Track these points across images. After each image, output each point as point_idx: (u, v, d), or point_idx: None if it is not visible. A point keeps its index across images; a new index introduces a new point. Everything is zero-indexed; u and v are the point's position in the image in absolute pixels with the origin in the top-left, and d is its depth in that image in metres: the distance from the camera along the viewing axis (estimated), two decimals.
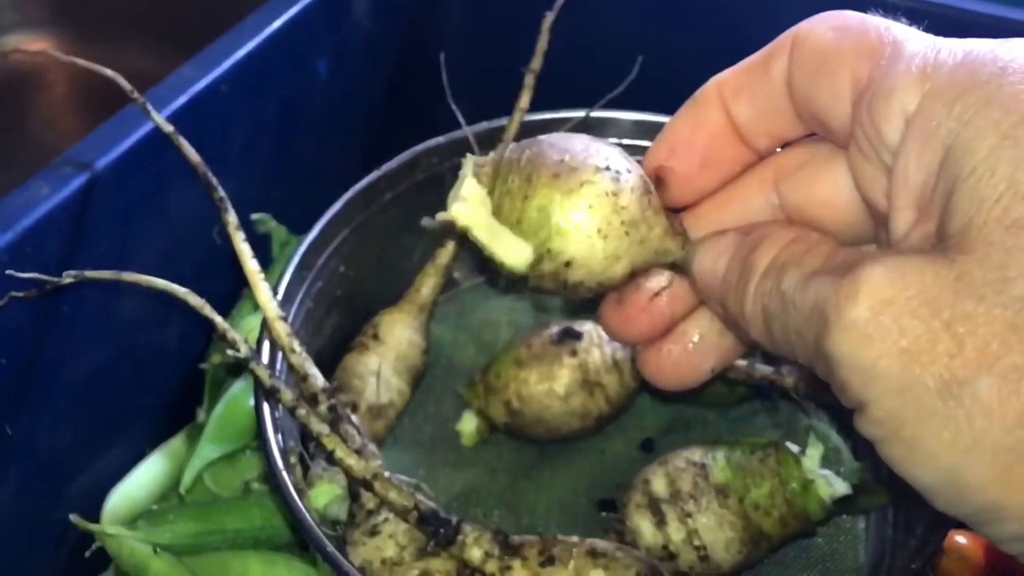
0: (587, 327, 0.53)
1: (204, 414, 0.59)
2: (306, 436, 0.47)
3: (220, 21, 1.02)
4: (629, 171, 0.35)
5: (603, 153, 0.35)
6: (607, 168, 0.34)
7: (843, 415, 0.56)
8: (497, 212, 0.35)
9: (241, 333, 0.59)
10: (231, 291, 0.63)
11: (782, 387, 0.51)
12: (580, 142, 0.35)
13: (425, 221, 0.52)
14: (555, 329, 0.53)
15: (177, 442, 0.58)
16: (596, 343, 0.52)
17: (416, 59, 0.76)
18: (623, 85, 0.56)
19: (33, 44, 1.10)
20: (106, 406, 0.55)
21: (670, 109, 0.59)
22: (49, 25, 1.08)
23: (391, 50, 0.74)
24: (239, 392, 0.57)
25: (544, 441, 0.54)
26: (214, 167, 0.59)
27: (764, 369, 0.51)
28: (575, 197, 0.33)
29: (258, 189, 0.64)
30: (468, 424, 0.55)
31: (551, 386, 0.52)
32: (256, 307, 0.61)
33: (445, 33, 0.78)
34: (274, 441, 0.44)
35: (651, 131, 0.60)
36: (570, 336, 0.52)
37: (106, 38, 1.07)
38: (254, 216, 0.63)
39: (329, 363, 0.54)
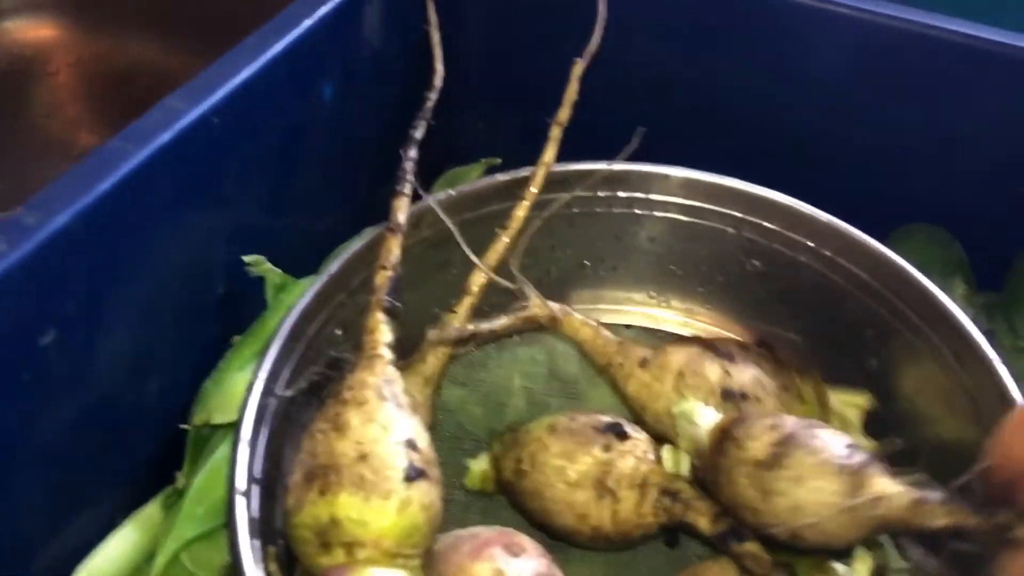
0: (641, 436, 0.47)
1: (184, 478, 0.53)
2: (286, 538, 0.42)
3: (228, 10, 0.97)
4: None
5: None
6: None
7: None
8: None
9: (224, 394, 0.54)
10: (218, 340, 0.58)
11: None
12: None
13: (432, 335, 0.47)
14: (608, 418, 0.47)
15: (153, 509, 0.53)
16: (638, 455, 0.46)
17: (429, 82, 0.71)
18: (625, 153, 0.50)
19: (34, 31, 1.06)
20: (76, 471, 0.50)
21: (704, 163, 0.55)
22: (51, 10, 1.04)
23: (402, 73, 0.68)
24: (222, 459, 0.52)
25: (538, 526, 0.48)
26: (203, 209, 0.54)
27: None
28: None
29: (252, 229, 0.58)
30: (480, 464, 0.51)
31: (565, 466, 0.47)
32: (244, 364, 0.56)
33: (462, 54, 0.72)
34: (248, 547, 0.38)
35: (683, 187, 0.54)
36: (615, 431, 0.46)
37: (109, 25, 1.03)
38: (247, 258, 0.57)
39: None
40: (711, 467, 0.44)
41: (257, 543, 0.39)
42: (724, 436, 0.44)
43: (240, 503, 0.39)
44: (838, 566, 0.42)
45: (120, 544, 0.51)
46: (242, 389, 0.53)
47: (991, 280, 0.68)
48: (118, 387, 0.51)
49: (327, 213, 0.64)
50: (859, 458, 0.40)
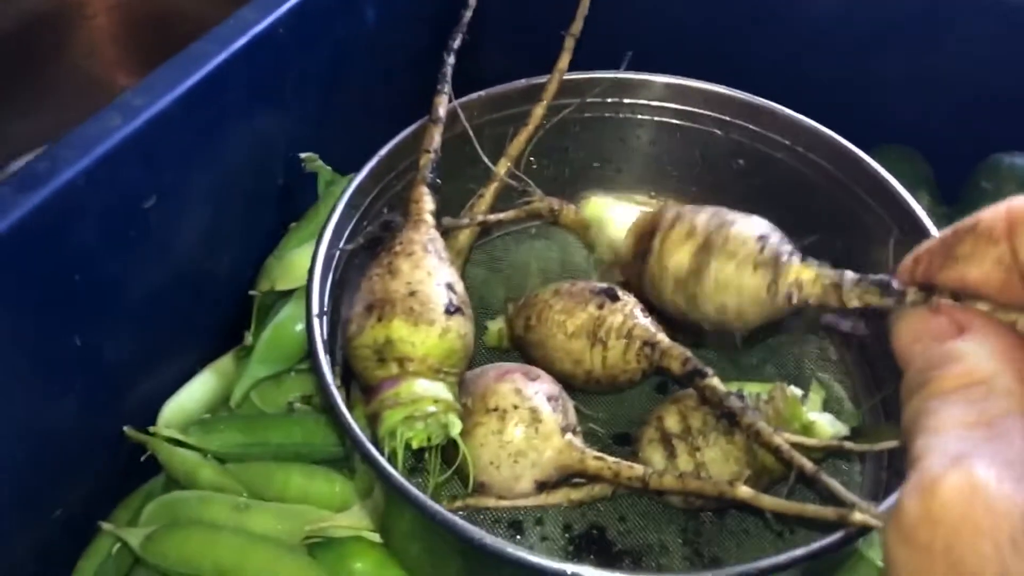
0: (630, 298, 0.55)
1: (251, 337, 0.63)
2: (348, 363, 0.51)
3: None
4: None
5: None
6: None
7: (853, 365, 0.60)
8: None
9: (284, 267, 0.63)
10: (277, 225, 0.67)
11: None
12: None
13: (446, 221, 0.55)
14: (603, 284, 0.56)
15: (226, 361, 0.63)
16: (626, 312, 0.54)
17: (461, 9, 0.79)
18: (619, 70, 0.62)
19: None
20: (163, 326, 0.59)
21: (698, 74, 0.64)
22: None
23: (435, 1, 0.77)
24: (286, 318, 0.61)
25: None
26: (267, 107, 0.63)
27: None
28: None
29: (307, 130, 0.67)
30: (496, 324, 0.60)
31: (565, 320, 0.55)
32: (301, 244, 0.65)
33: None
34: (325, 360, 0.48)
35: (680, 94, 0.63)
36: (608, 294, 0.55)
37: None
38: (303, 155, 0.67)
39: None
40: (634, 274, 0.51)
41: (328, 358, 0.48)
42: (641, 246, 0.50)
43: (316, 323, 0.49)
44: (795, 390, 0.51)
45: (200, 387, 0.61)
46: (300, 263, 0.63)
47: (956, 196, 0.77)
48: (199, 255, 0.61)
49: (369, 119, 0.73)
50: (772, 250, 0.46)
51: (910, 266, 0.38)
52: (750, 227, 0.48)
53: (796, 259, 0.47)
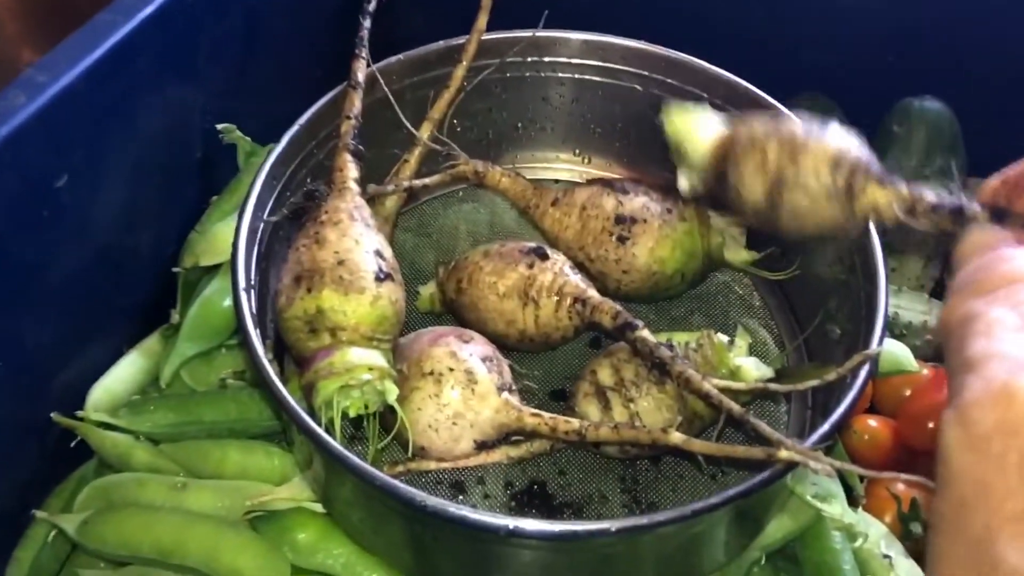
0: (560, 257, 0.56)
1: (178, 315, 0.62)
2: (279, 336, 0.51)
3: None
4: None
5: None
6: None
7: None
8: None
9: (208, 241, 0.62)
10: (198, 199, 0.66)
11: None
12: None
13: (371, 188, 0.55)
14: (532, 244, 0.57)
15: (153, 341, 0.61)
16: (556, 271, 0.55)
17: None
18: (537, 28, 0.61)
19: None
20: (85, 307, 0.58)
21: (617, 30, 0.64)
22: None
23: None
24: (212, 294, 0.60)
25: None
26: (180, 78, 0.61)
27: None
28: None
29: (224, 100, 0.66)
30: (428, 289, 0.60)
31: (496, 281, 0.55)
32: (224, 217, 0.64)
33: None
34: (255, 334, 0.47)
35: (598, 50, 0.63)
36: (537, 253, 0.56)
37: None
38: (220, 126, 0.65)
39: None
40: (715, 189, 0.49)
41: (258, 332, 0.48)
42: (720, 171, 0.48)
43: (243, 296, 0.48)
44: (722, 337, 0.53)
45: (128, 368, 0.59)
46: (224, 237, 0.61)
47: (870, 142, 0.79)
48: (118, 233, 0.59)
49: (288, 88, 0.72)
50: (846, 177, 0.45)
51: (996, 187, 0.40)
52: (824, 151, 0.45)
53: (873, 180, 0.45)
